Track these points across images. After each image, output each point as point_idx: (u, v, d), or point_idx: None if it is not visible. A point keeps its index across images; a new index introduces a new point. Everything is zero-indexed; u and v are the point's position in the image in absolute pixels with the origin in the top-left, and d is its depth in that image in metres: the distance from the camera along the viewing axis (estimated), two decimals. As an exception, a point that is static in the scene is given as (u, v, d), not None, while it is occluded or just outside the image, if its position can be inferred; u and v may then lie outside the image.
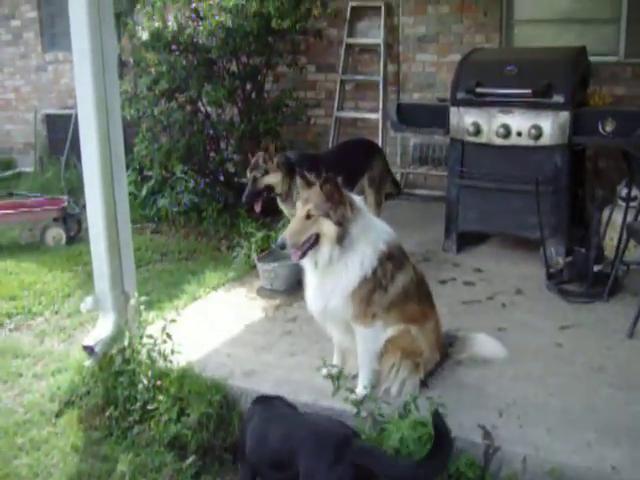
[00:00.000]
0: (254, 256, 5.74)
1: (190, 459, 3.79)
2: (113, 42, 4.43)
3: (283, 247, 3.56)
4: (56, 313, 5.82)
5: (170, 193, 8.19)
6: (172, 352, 4.20)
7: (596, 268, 5.15)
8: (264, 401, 3.59)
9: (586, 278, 5.14)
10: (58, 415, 4.30)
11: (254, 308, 5.21)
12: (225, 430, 3.89)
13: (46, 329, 5.51)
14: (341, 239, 3.54)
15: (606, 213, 5.49)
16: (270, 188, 5.37)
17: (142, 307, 4.49)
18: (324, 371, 3.94)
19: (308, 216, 3.54)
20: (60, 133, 10.11)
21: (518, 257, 5.93)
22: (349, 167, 5.79)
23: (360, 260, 3.59)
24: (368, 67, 8.53)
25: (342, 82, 8.59)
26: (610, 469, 3.18)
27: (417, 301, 3.85)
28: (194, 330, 4.84)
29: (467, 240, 6.22)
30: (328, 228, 3.53)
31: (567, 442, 3.37)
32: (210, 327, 4.90)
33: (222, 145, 8.10)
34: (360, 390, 3.73)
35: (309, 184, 3.66)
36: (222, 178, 8.14)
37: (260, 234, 5.85)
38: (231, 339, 4.69)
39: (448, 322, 4.30)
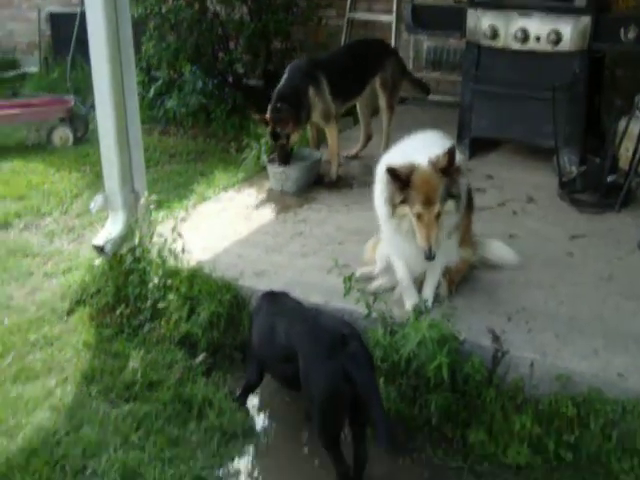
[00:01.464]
0: (264, 158, 5.67)
1: (201, 356, 3.87)
2: None
3: (433, 257, 3.41)
4: (65, 213, 5.81)
5: (178, 94, 8.04)
6: (182, 251, 4.21)
7: (609, 179, 5.09)
8: (271, 296, 3.63)
9: (599, 188, 5.10)
10: (69, 313, 4.34)
11: (264, 209, 5.20)
12: (235, 329, 3.94)
13: (55, 229, 5.51)
14: (458, 207, 3.49)
15: (623, 123, 5.38)
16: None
17: (152, 206, 4.47)
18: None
19: (438, 214, 3.38)
20: (65, 32, 9.80)
21: (531, 165, 5.85)
22: (358, 68, 5.68)
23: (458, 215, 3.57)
24: (383, -34, 8.22)
25: (355, -18, 8.29)
26: (616, 375, 3.22)
27: (468, 209, 3.82)
28: (204, 230, 4.85)
29: (479, 146, 6.11)
30: (451, 206, 3.44)
31: (575, 348, 3.41)
32: (220, 227, 4.89)
33: (231, 45, 7.91)
34: (429, 295, 3.74)
35: (406, 178, 3.32)
36: (231, 79, 7.98)
37: (270, 135, 5.76)
38: (241, 240, 4.69)
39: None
